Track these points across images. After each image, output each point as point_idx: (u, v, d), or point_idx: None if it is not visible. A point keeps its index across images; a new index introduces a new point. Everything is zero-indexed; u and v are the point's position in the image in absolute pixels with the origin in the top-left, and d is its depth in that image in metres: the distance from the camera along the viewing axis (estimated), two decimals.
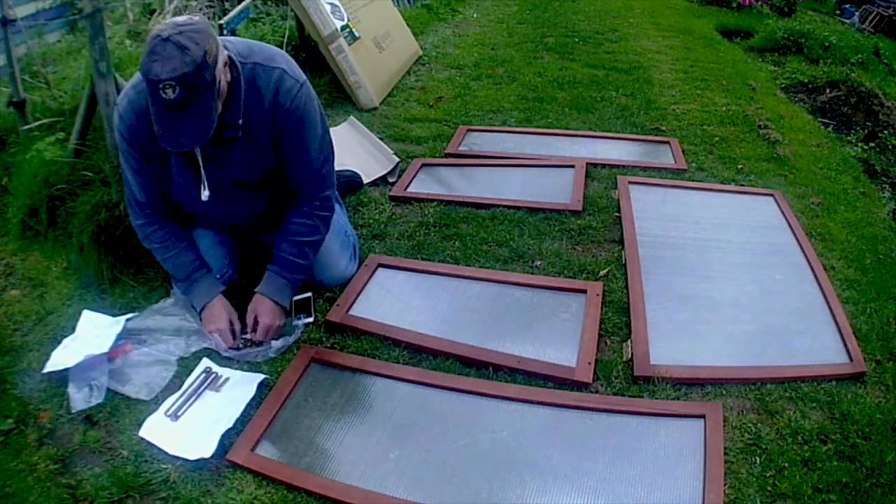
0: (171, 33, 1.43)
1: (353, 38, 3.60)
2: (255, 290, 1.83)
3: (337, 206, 2.21)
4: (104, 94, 2.07)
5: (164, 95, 1.43)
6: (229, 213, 1.89)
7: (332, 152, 1.89)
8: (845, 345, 1.83)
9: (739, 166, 2.96)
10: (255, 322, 1.81)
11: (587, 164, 2.85)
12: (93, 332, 1.84)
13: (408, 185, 2.73)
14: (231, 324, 1.83)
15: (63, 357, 1.76)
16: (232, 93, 1.61)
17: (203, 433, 1.57)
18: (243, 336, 1.85)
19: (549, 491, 1.44)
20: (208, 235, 1.94)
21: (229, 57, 1.60)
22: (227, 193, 1.78)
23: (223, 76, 1.55)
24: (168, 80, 1.41)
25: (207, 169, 1.71)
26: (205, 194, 1.71)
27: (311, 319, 1.93)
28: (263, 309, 1.80)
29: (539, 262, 2.22)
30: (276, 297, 1.80)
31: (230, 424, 1.58)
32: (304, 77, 1.75)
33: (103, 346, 1.76)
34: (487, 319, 1.94)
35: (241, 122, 1.64)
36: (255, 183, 1.80)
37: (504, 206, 2.53)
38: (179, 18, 1.49)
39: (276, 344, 1.83)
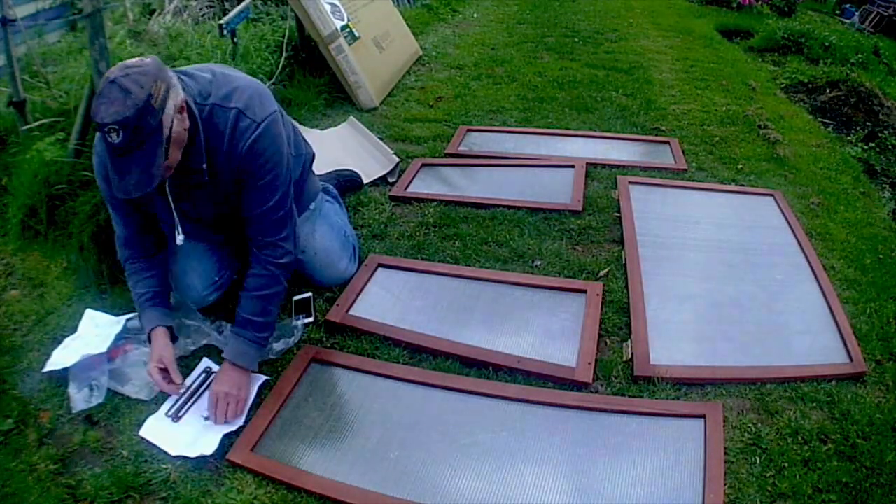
0: (117, 75, 1.38)
1: (353, 38, 3.60)
2: (223, 353, 1.73)
3: (337, 206, 2.22)
4: None
5: (109, 139, 1.38)
6: (216, 239, 1.88)
7: (289, 198, 1.74)
8: (845, 345, 1.83)
9: (739, 166, 2.96)
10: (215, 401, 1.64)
11: (587, 164, 2.85)
12: (94, 332, 1.84)
13: (408, 185, 2.73)
14: (161, 362, 1.66)
15: (63, 356, 1.76)
16: (192, 138, 1.55)
17: (204, 432, 1.57)
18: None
19: (550, 491, 1.44)
20: (199, 247, 1.90)
21: (186, 103, 1.52)
22: (204, 228, 1.78)
23: (178, 122, 1.48)
24: (111, 123, 1.35)
25: (183, 209, 1.68)
26: (179, 238, 1.68)
27: (310, 319, 1.93)
28: (221, 377, 1.66)
29: (539, 262, 2.22)
30: (239, 361, 1.67)
31: (233, 429, 1.58)
32: (267, 111, 1.64)
33: (102, 345, 1.76)
34: (487, 319, 1.94)
35: (204, 166, 1.59)
36: (229, 220, 1.78)
37: (504, 206, 2.53)
38: (131, 60, 1.43)
39: (276, 346, 1.82)
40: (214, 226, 1.84)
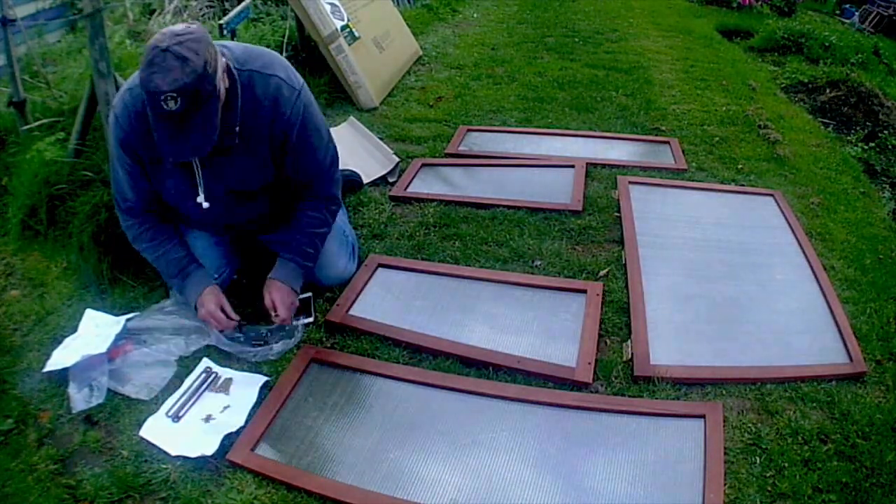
0: (169, 44, 1.41)
1: (353, 38, 3.60)
2: (269, 276, 1.83)
3: None
4: (104, 94, 2.07)
5: (165, 107, 1.41)
6: (226, 219, 1.88)
7: (336, 150, 1.90)
8: (845, 345, 1.83)
9: (739, 166, 2.96)
10: (275, 306, 1.79)
11: (587, 164, 2.85)
12: (94, 332, 1.84)
13: (408, 185, 2.73)
14: (222, 307, 1.79)
15: (63, 356, 1.76)
16: (229, 100, 1.60)
17: (205, 432, 1.57)
18: (256, 330, 1.88)
19: (550, 491, 1.44)
20: (204, 237, 1.93)
21: (227, 64, 1.58)
22: (224, 201, 1.78)
23: (222, 83, 1.54)
24: (170, 91, 1.39)
25: (204, 177, 1.70)
26: (204, 203, 1.72)
27: (311, 320, 1.93)
28: (281, 292, 1.80)
29: (539, 262, 2.22)
30: (290, 282, 1.82)
31: (233, 430, 1.58)
32: (301, 81, 1.75)
33: (101, 345, 1.76)
34: (487, 320, 1.94)
35: (237, 129, 1.63)
36: (251, 192, 1.80)
37: (504, 206, 2.53)
38: (177, 27, 1.47)
39: (276, 347, 1.82)
40: (227, 203, 1.81)
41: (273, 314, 1.80)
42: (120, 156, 1.71)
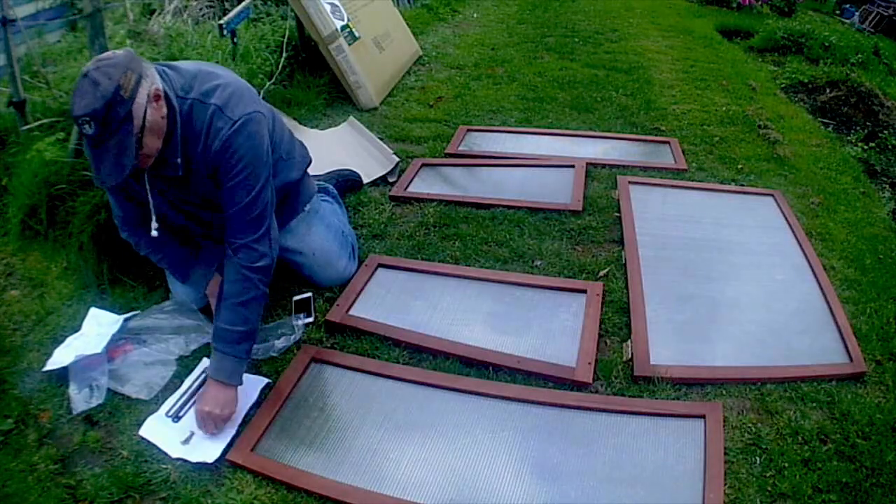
0: (89, 69, 1.41)
1: (353, 38, 3.60)
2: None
3: (336, 206, 2.22)
4: None
5: (83, 131, 1.42)
6: (180, 240, 1.90)
7: (271, 200, 1.71)
8: (845, 345, 1.83)
9: (739, 166, 2.96)
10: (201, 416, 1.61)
11: (587, 164, 2.85)
12: (97, 330, 1.84)
13: (408, 185, 2.73)
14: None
15: (64, 355, 1.76)
16: (170, 129, 1.56)
17: (207, 436, 1.57)
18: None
19: (549, 491, 1.44)
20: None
21: (164, 92, 1.53)
22: (183, 228, 1.81)
23: (154, 110, 1.48)
24: (83, 115, 1.39)
25: (157, 201, 1.69)
26: (154, 230, 1.69)
27: (310, 319, 1.93)
28: (205, 395, 1.60)
29: (539, 262, 2.22)
30: (221, 377, 1.60)
31: (233, 431, 1.58)
32: (247, 110, 1.62)
33: (99, 345, 1.76)
34: (487, 319, 1.94)
35: (178, 160, 1.60)
36: (208, 219, 1.80)
37: (504, 206, 2.53)
38: (104, 54, 1.47)
39: (279, 343, 1.82)
40: (200, 225, 1.84)
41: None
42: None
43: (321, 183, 2.25)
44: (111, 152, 1.44)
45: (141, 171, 1.60)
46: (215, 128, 1.59)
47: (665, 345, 1.83)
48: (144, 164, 1.54)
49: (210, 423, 1.57)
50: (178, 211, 1.79)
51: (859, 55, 4.88)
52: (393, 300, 2.03)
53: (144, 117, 1.46)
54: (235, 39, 3.17)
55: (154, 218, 1.68)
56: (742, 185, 2.77)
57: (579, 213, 2.50)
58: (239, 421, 1.61)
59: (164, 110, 1.53)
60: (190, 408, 1.65)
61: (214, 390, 1.59)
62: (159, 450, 1.54)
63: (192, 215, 1.81)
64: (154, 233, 1.69)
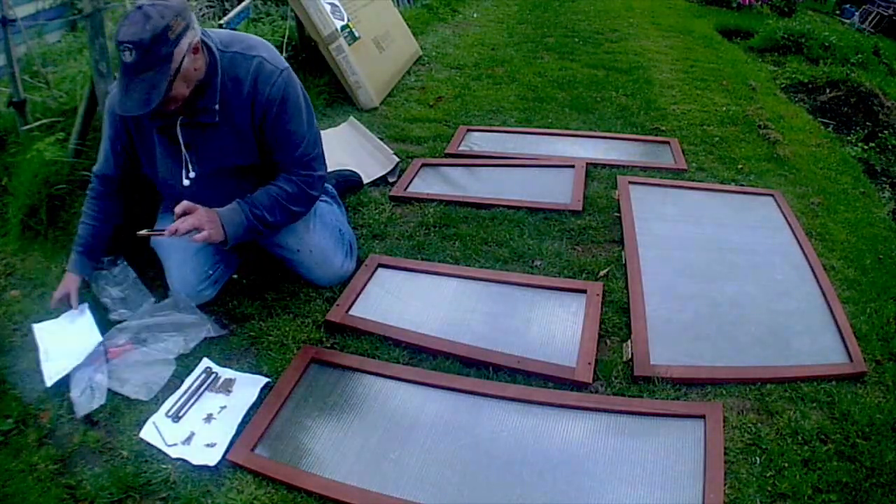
0: (144, 3, 1.50)
1: (353, 38, 3.60)
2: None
3: (334, 206, 2.22)
4: (104, 93, 2.07)
5: (123, 57, 1.49)
6: (214, 202, 1.84)
7: (318, 136, 1.88)
8: (845, 345, 1.83)
9: (739, 166, 2.96)
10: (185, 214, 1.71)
11: (587, 164, 2.85)
12: (62, 336, 1.81)
13: (408, 185, 2.73)
14: (68, 296, 1.85)
15: (57, 367, 1.72)
16: (208, 79, 1.66)
17: (208, 438, 1.57)
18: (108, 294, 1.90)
19: (549, 491, 1.44)
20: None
21: (205, 43, 1.63)
22: (210, 181, 1.81)
23: (190, 60, 1.57)
24: (126, 42, 1.47)
25: (189, 155, 1.74)
26: (187, 179, 1.76)
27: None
28: (205, 213, 1.70)
29: (539, 262, 2.22)
30: (224, 220, 1.72)
31: (233, 433, 1.58)
32: (286, 64, 1.78)
33: (94, 337, 1.76)
34: (487, 319, 1.94)
35: (216, 107, 1.68)
36: (237, 171, 1.83)
37: (504, 206, 2.53)
38: None
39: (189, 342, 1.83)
40: (213, 182, 1.83)
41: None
42: (109, 122, 1.80)
43: None
44: (144, 83, 1.51)
45: (172, 120, 1.68)
46: (264, 76, 1.71)
47: (665, 345, 1.83)
48: (168, 107, 1.61)
49: (186, 223, 1.67)
50: (205, 164, 1.82)
51: (859, 55, 4.89)
52: (393, 300, 2.03)
53: (181, 63, 1.54)
54: None
55: (186, 164, 1.76)
56: (742, 185, 2.77)
57: (579, 213, 2.50)
58: (239, 421, 1.61)
59: (200, 63, 1.62)
60: (190, 408, 1.65)
61: (213, 215, 1.71)
62: (159, 450, 1.54)
63: (219, 171, 1.83)
64: (186, 182, 1.77)
